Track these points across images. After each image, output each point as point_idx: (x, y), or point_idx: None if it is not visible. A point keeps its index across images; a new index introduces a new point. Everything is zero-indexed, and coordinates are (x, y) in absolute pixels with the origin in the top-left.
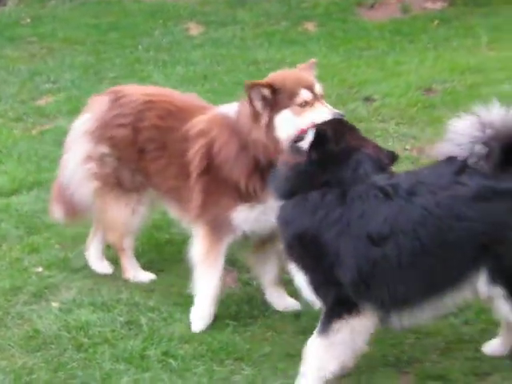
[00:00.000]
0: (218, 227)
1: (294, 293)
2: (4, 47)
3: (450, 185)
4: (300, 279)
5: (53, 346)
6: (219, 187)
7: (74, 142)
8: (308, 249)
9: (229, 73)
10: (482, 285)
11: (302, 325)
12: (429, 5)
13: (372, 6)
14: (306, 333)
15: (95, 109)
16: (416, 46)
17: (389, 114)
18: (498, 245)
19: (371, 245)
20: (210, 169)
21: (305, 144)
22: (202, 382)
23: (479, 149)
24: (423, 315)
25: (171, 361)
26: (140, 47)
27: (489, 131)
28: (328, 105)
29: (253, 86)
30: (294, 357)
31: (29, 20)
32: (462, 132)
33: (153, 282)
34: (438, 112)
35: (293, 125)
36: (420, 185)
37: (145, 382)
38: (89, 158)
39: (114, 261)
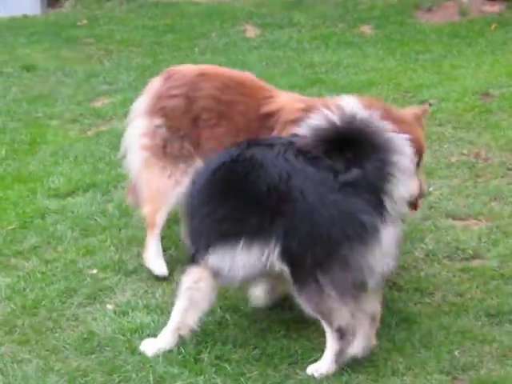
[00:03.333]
0: None
1: None
2: (61, 48)
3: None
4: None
5: (107, 349)
6: None
7: (131, 121)
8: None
9: (285, 75)
10: (274, 257)
11: None
12: (487, 8)
13: (429, 9)
14: None
15: (149, 89)
16: (473, 49)
17: (445, 119)
18: (283, 217)
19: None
20: None
21: None
22: None
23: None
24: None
25: (225, 365)
26: (196, 49)
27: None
28: None
29: None
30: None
31: (85, 21)
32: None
33: None
34: (495, 117)
35: None
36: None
37: None
38: (143, 134)
39: (169, 263)
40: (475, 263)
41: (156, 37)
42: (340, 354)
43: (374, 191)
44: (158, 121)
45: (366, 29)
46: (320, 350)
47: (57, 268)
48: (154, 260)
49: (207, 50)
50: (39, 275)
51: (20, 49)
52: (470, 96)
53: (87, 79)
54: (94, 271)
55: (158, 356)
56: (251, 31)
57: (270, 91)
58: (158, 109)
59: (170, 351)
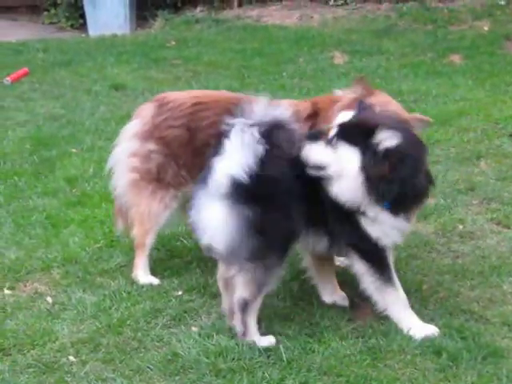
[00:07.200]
0: None
1: None
2: (149, 69)
3: None
4: None
5: (191, 371)
6: None
7: (121, 141)
8: None
9: None
10: None
11: (443, 362)
12: None
13: None
14: (447, 370)
15: (141, 114)
16: None
17: None
18: None
19: None
20: None
21: None
22: None
23: None
24: None
25: None
26: (284, 74)
27: None
28: None
29: None
30: None
31: (174, 43)
32: None
33: (292, 311)
34: None
35: None
36: None
37: None
38: (133, 155)
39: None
40: None
41: (244, 60)
42: None
43: None
44: (154, 147)
45: (456, 58)
46: (405, 380)
47: (142, 288)
48: (145, 277)
49: (295, 75)
50: (125, 294)
51: (109, 68)
52: None
53: None
54: (180, 292)
55: (242, 380)
56: (339, 58)
57: None
58: (157, 137)
59: (254, 375)
